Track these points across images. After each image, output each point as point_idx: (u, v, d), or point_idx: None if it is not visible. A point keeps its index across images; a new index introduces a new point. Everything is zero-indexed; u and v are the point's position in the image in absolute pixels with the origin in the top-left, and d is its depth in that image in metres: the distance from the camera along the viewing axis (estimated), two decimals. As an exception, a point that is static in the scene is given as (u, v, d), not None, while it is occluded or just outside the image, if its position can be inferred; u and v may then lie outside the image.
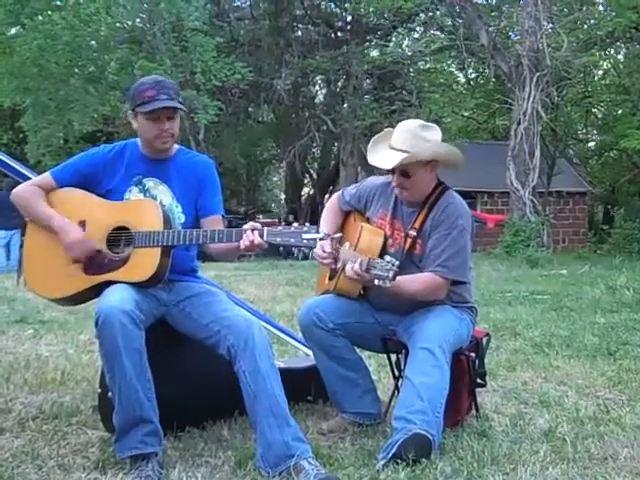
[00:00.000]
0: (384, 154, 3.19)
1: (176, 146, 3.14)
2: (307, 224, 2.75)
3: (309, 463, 2.62)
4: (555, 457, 2.87)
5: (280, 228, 2.74)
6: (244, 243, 2.74)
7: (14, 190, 3.07)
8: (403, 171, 3.15)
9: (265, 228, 2.73)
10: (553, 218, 21.00)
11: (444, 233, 3.14)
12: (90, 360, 4.59)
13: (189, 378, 3.12)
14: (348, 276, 3.03)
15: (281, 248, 24.33)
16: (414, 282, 3.11)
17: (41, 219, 3.00)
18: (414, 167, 3.15)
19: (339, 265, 3.19)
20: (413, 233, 3.21)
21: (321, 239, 2.75)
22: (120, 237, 2.91)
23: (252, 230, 2.73)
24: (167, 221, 2.91)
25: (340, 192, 3.59)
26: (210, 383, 3.11)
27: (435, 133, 3.21)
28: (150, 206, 2.96)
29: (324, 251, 3.13)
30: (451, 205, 3.21)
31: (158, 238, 2.84)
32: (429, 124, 3.26)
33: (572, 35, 20.45)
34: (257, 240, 2.72)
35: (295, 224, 2.75)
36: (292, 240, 2.69)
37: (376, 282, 2.84)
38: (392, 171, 3.19)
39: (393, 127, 3.32)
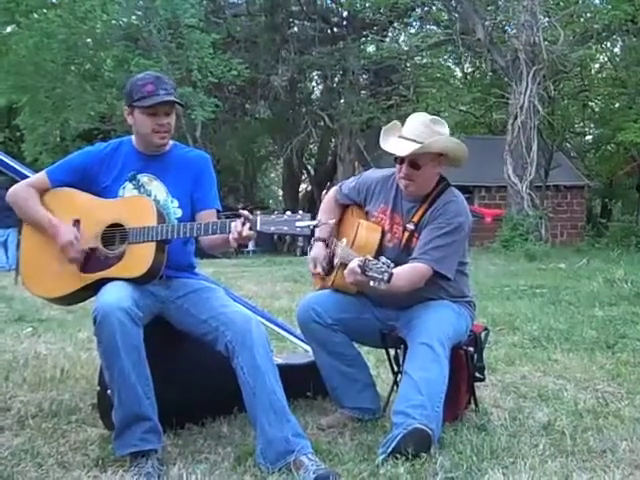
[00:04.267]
0: (397, 142, 3.18)
1: (171, 142, 3.13)
2: (300, 212, 2.72)
3: (309, 459, 2.62)
4: (554, 450, 2.88)
5: (273, 217, 2.72)
6: (232, 235, 2.74)
7: (9, 190, 3.07)
8: (413, 162, 3.14)
9: (258, 218, 2.72)
10: (551, 212, 21.04)
11: (438, 226, 3.14)
12: (89, 358, 4.59)
13: (188, 375, 3.11)
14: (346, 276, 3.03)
15: (275, 237, 24.38)
16: (402, 276, 3.02)
17: (35, 221, 3.00)
18: (425, 159, 3.14)
19: (336, 261, 3.19)
20: (411, 227, 3.21)
21: (315, 226, 2.73)
22: (114, 234, 2.91)
23: (244, 221, 2.72)
24: (161, 216, 2.91)
25: (338, 185, 3.58)
26: (209, 380, 3.11)
27: (445, 128, 3.22)
28: (144, 202, 2.96)
29: (315, 267, 3.29)
30: (452, 202, 3.20)
31: (152, 233, 2.84)
32: (438, 118, 3.27)
33: (568, 28, 20.45)
34: (245, 232, 2.71)
35: (288, 212, 2.72)
36: (285, 228, 2.67)
37: (371, 283, 2.84)
38: (400, 162, 3.18)
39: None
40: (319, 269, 3.25)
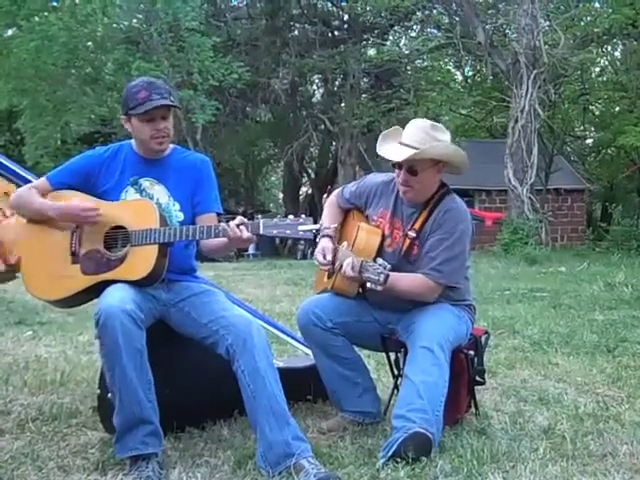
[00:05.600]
0: (394, 148, 3.18)
1: (171, 145, 3.13)
2: (303, 216, 2.74)
3: (309, 462, 2.62)
4: (554, 454, 2.87)
5: (276, 220, 2.74)
6: (231, 238, 2.75)
7: (12, 196, 3.09)
8: (410, 168, 3.13)
9: (261, 221, 2.74)
10: (551, 215, 21.05)
11: (442, 237, 3.13)
12: (89, 361, 4.59)
13: (188, 378, 3.12)
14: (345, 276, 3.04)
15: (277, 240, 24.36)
16: (406, 282, 3.09)
17: (38, 211, 2.99)
18: (422, 165, 3.13)
19: (337, 264, 3.19)
20: (412, 234, 3.20)
21: (317, 230, 2.74)
22: (117, 236, 2.91)
23: (241, 225, 2.74)
24: (163, 219, 2.91)
25: (340, 189, 3.58)
26: (209, 383, 3.11)
27: (445, 135, 3.19)
28: (146, 205, 2.96)
29: (324, 258, 3.16)
30: (453, 209, 3.19)
31: (154, 235, 2.84)
32: (439, 125, 3.24)
33: (569, 32, 20.48)
34: (245, 235, 2.73)
35: (291, 216, 2.74)
36: (288, 232, 2.70)
37: (368, 285, 2.85)
38: (398, 167, 3.17)
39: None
40: (329, 257, 3.17)
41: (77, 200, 2.98)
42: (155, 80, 3.07)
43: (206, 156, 3.29)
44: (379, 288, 2.84)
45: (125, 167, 3.06)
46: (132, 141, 3.11)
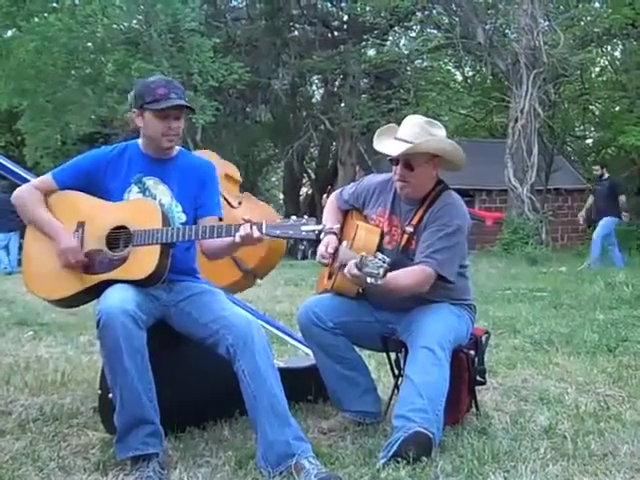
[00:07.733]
0: (390, 143, 3.20)
1: (177, 147, 3.14)
2: (306, 217, 2.74)
3: (310, 462, 2.62)
4: (555, 454, 2.87)
5: (278, 221, 2.75)
6: (240, 235, 2.75)
7: (15, 192, 3.09)
8: (407, 163, 3.15)
9: (264, 221, 2.74)
10: (552, 215, 21.03)
11: (437, 229, 3.14)
12: (90, 362, 4.59)
13: (190, 378, 3.12)
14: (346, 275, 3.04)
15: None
16: (403, 275, 3.08)
17: (37, 223, 3.01)
18: (418, 160, 3.15)
19: (337, 264, 3.19)
20: (410, 229, 3.22)
21: (320, 231, 2.74)
22: (119, 237, 2.92)
23: (250, 224, 2.74)
24: (166, 220, 2.92)
25: (338, 191, 3.59)
26: (210, 383, 3.11)
27: (440, 130, 3.22)
28: (149, 205, 2.97)
29: (327, 250, 3.16)
30: (449, 205, 3.21)
31: (157, 235, 2.85)
32: (434, 121, 3.27)
33: (569, 32, 20.44)
34: (256, 234, 2.73)
35: (293, 217, 2.74)
36: (291, 232, 2.70)
37: (368, 280, 2.84)
38: (395, 163, 3.19)
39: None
40: (330, 250, 3.18)
41: (82, 199, 3.01)
42: (172, 80, 3.09)
43: (210, 161, 3.29)
44: (379, 282, 2.82)
45: (130, 166, 3.07)
46: (139, 140, 3.11)
